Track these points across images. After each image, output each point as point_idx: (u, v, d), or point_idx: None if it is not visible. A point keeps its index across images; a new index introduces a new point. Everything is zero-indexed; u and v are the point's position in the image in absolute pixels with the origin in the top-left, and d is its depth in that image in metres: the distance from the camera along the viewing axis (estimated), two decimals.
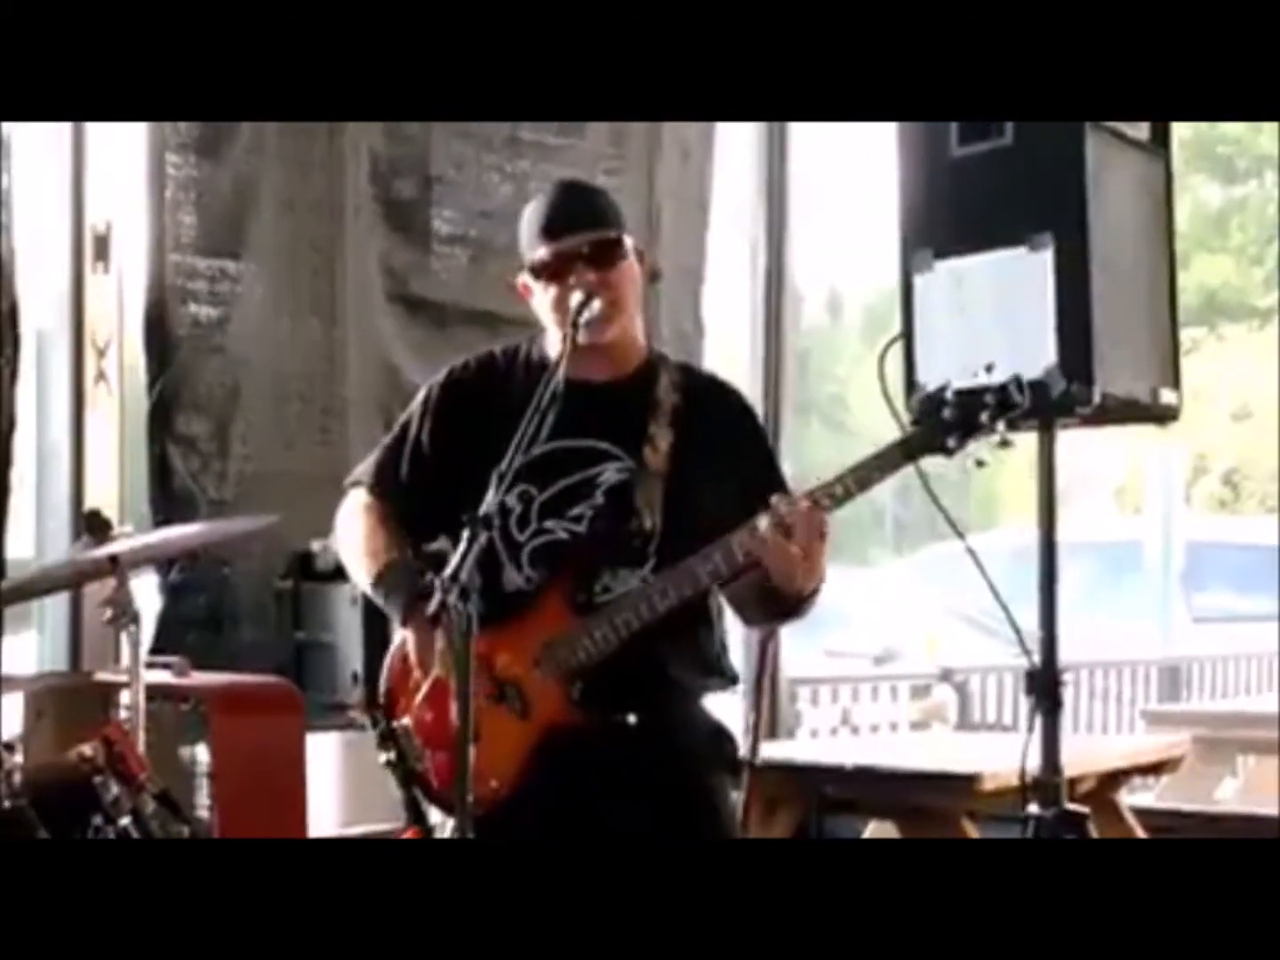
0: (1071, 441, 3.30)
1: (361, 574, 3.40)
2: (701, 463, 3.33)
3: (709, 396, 3.47)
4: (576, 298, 3.22)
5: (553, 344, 3.37)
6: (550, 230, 3.31)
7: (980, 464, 3.03)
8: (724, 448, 3.37)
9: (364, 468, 3.53)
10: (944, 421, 3.02)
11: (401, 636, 3.28)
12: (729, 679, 3.49)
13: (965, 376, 3.00)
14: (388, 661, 3.32)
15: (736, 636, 5.41)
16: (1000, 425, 2.98)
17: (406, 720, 3.24)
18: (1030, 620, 3.23)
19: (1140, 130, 3.42)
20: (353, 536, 3.46)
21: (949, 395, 3.01)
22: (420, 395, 3.50)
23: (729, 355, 6.42)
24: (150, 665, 3.88)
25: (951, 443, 3.02)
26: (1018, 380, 2.96)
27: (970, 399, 2.98)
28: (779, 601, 3.24)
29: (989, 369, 2.97)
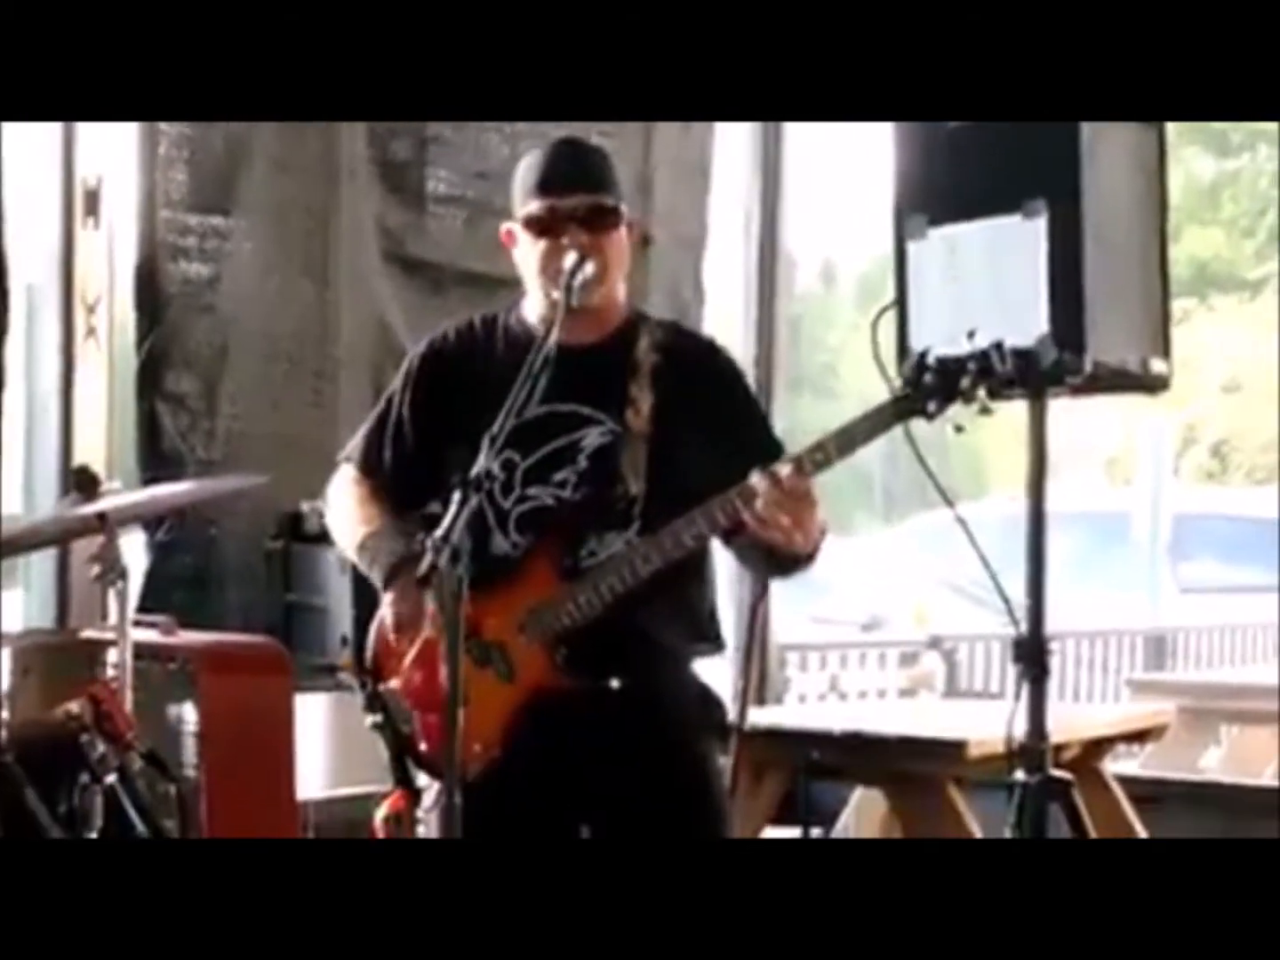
0: (1062, 411, 3.29)
1: (348, 541, 3.42)
2: (685, 423, 3.32)
3: (691, 355, 3.46)
4: (570, 259, 3.22)
5: (533, 306, 3.38)
6: (547, 186, 3.30)
7: (959, 429, 3.04)
8: (708, 406, 3.36)
9: (353, 444, 3.55)
10: (925, 386, 3.03)
11: (386, 605, 3.28)
12: (717, 643, 3.49)
13: (949, 344, 3.01)
14: (375, 625, 3.32)
15: (726, 601, 5.46)
16: (981, 391, 2.99)
17: (394, 683, 3.25)
18: (1018, 590, 3.23)
19: None
20: (340, 510, 3.50)
21: (930, 361, 3.03)
22: (402, 368, 3.51)
23: (721, 323, 6.40)
24: (137, 623, 3.89)
25: (931, 407, 3.03)
26: (999, 346, 2.97)
27: (952, 365, 2.99)
28: (778, 560, 3.26)
29: (971, 335, 2.98)
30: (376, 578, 3.31)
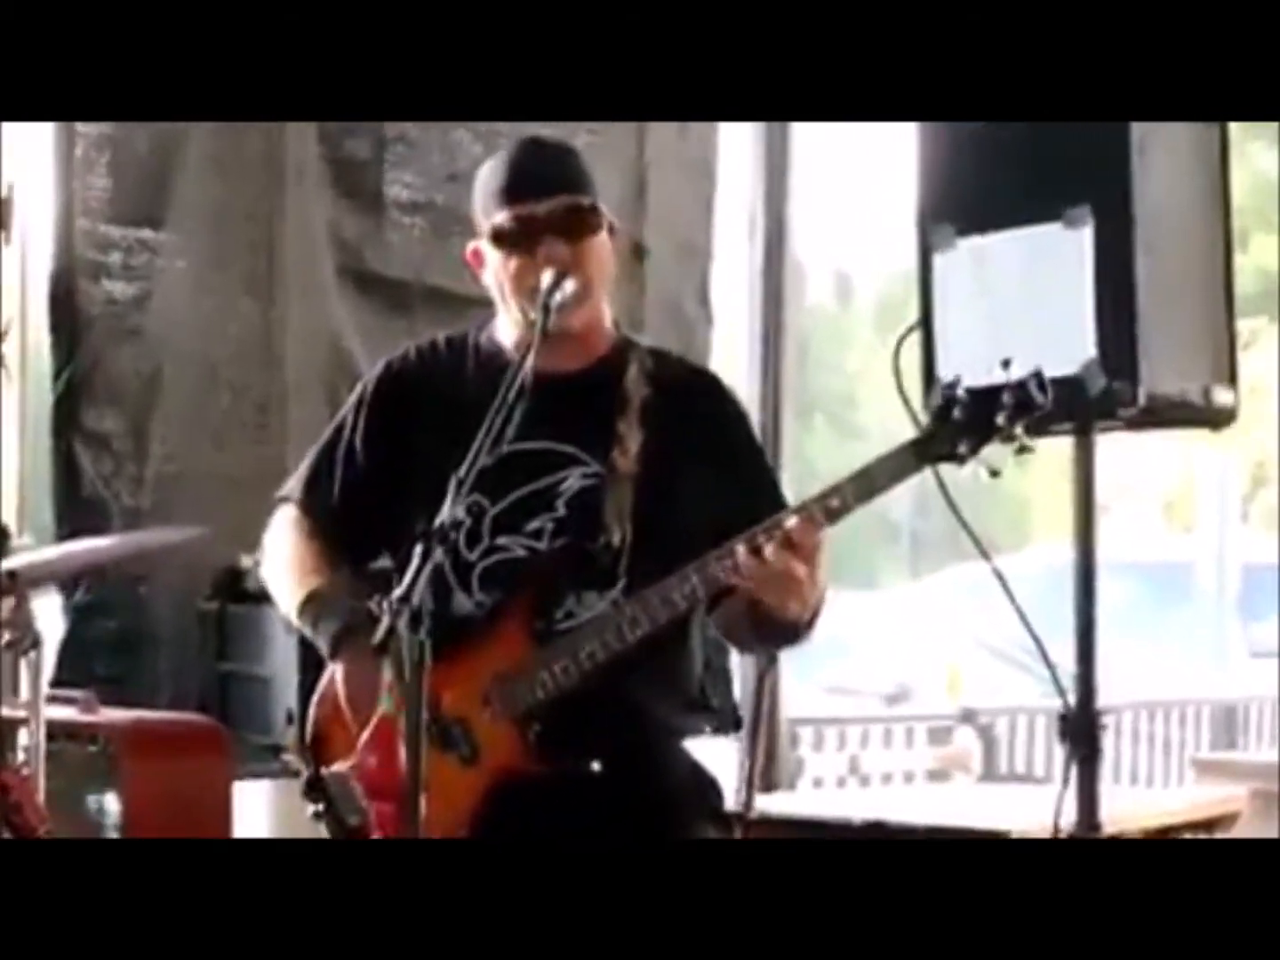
0: (1113, 448, 3.30)
1: (288, 600, 3.39)
2: (678, 465, 3.31)
3: (688, 388, 3.44)
4: (548, 276, 3.20)
5: (506, 328, 3.37)
6: (515, 191, 3.28)
7: (994, 474, 3.02)
8: (705, 447, 3.35)
9: (293, 480, 3.51)
10: (955, 424, 2.99)
11: (332, 671, 3.27)
12: (722, 718, 3.49)
13: (983, 374, 2.99)
14: (316, 699, 3.29)
15: (739, 671, 5.46)
16: (1019, 428, 2.98)
17: (338, 766, 3.23)
18: (1066, 654, 3.23)
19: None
20: (278, 559, 3.45)
21: (960, 394, 3.01)
22: (354, 393, 3.49)
23: (720, 343, 6.40)
24: (52, 699, 3.87)
25: (963, 448, 2.98)
26: (1038, 377, 2.93)
27: (985, 398, 2.96)
28: (773, 627, 3.22)
29: (1006, 364, 2.95)
30: (322, 643, 3.28)
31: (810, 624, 3.22)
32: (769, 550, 3.05)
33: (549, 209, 3.26)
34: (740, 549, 3.08)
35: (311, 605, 3.32)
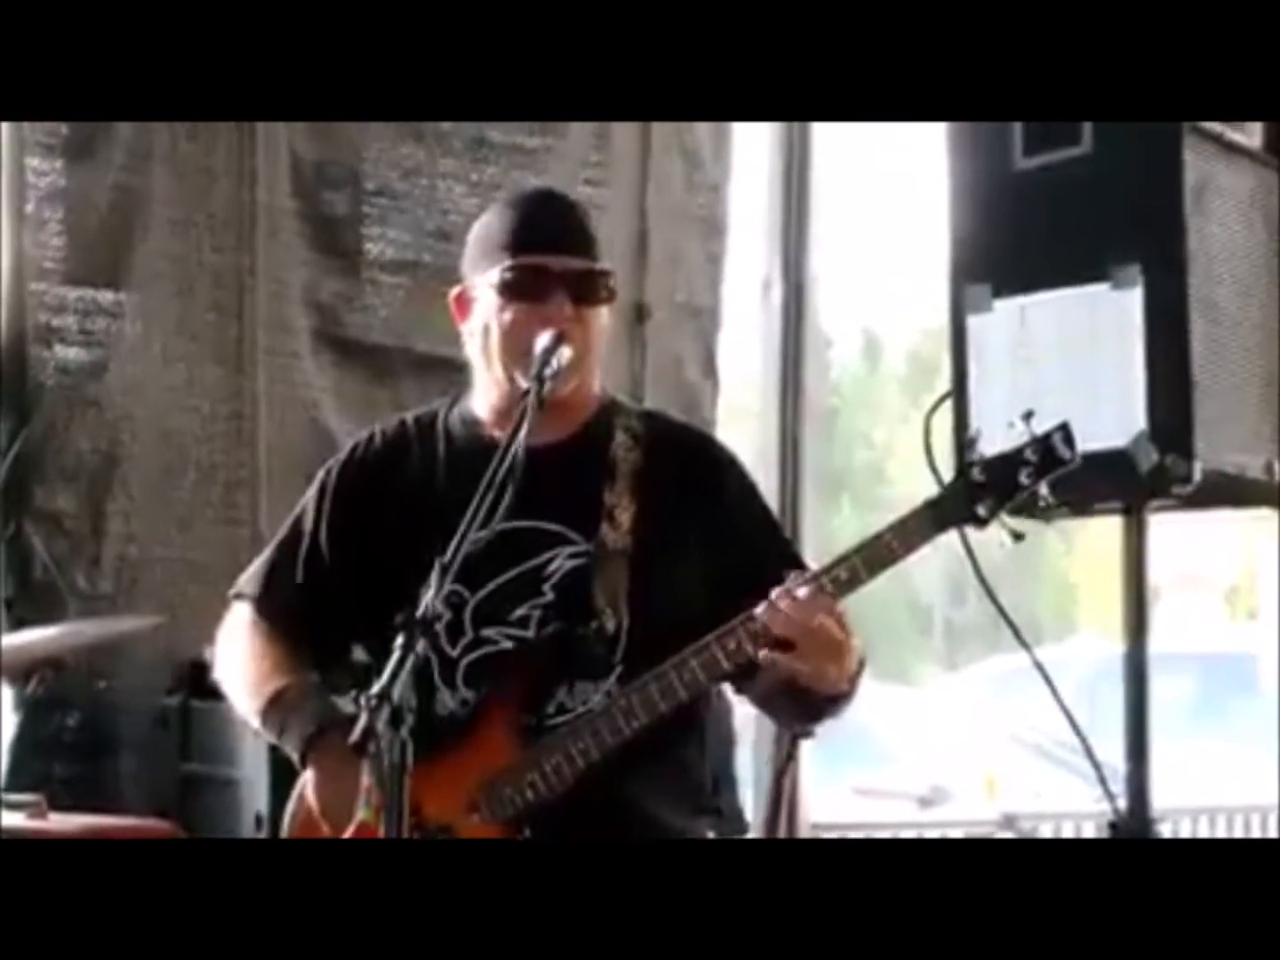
0: (1168, 529, 3.30)
1: (248, 705, 3.37)
2: (674, 537, 3.29)
3: (679, 450, 3.42)
4: (544, 339, 3.20)
5: (484, 392, 3.35)
6: (531, 242, 3.28)
7: (1017, 537, 3.02)
8: (704, 515, 3.33)
9: (248, 576, 3.50)
10: (975, 483, 3.00)
11: (304, 778, 3.26)
12: (728, 820, 3.47)
13: (1023, 438, 2.99)
14: (290, 808, 3.29)
15: (745, 768, 5.44)
16: (1044, 488, 2.98)
17: None
18: (1116, 753, 3.23)
19: (1252, 135, 3.45)
20: (235, 664, 3.44)
21: (981, 451, 3.01)
22: (316, 482, 3.47)
23: (736, 414, 6.41)
24: (2, 805, 3.87)
25: (983, 511, 3.00)
26: (1065, 429, 2.93)
27: (1008, 457, 2.97)
28: (805, 705, 3.23)
29: (1028, 417, 2.95)
30: (290, 748, 3.27)
31: (849, 695, 3.18)
32: (777, 625, 3.05)
33: (564, 267, 3.27)
34: (742, 627, 3.08)
35: (277, 708, 3.29)
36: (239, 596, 3.49)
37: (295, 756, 3.26)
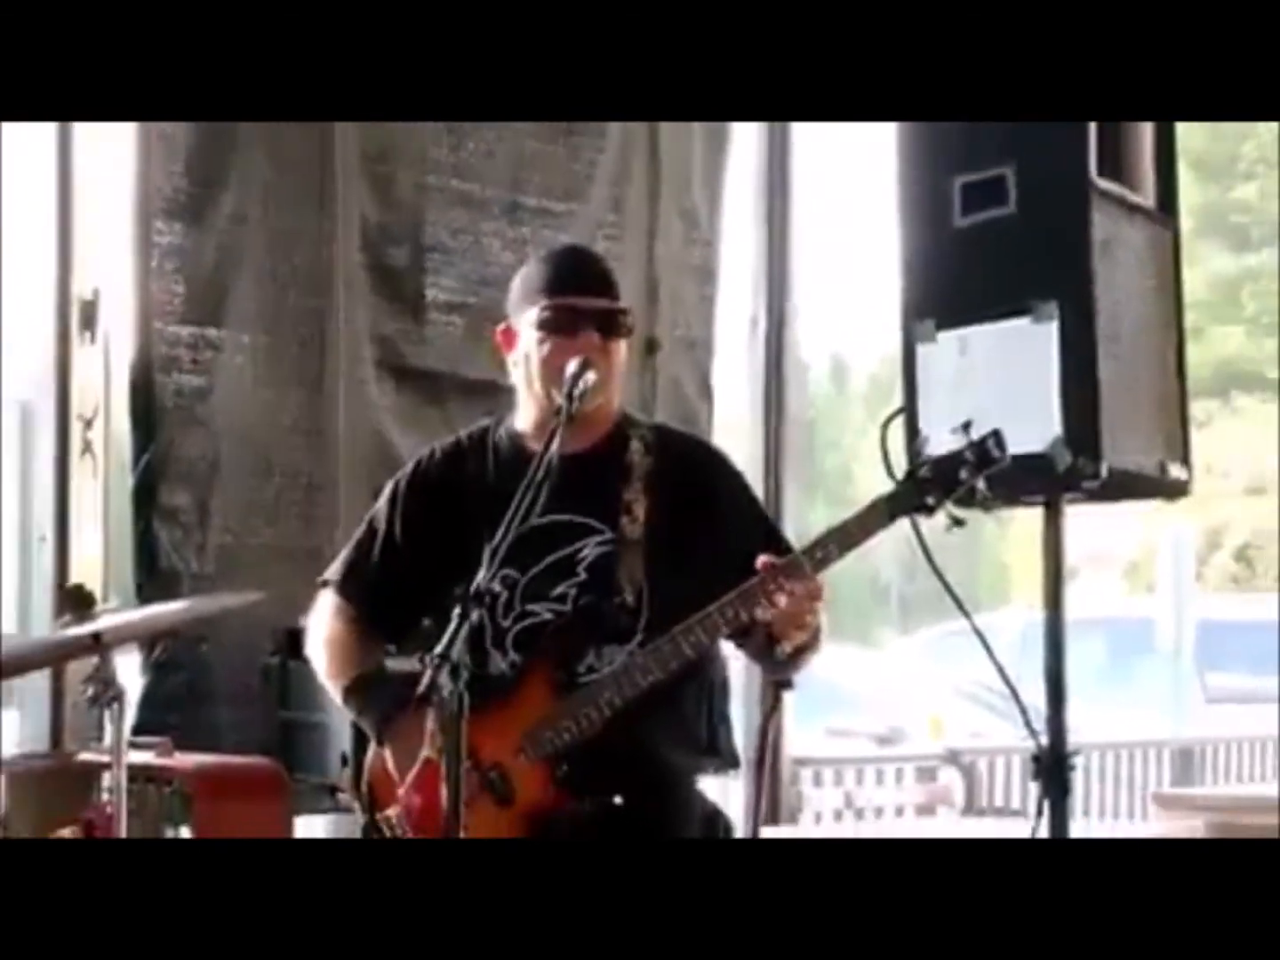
0: (1080, 518, 3.30)
1: (333, 685, 3.42)
2: (681, 525, 3.31)
3: (682, 454, 3.46)
4: (573, 364, 3.21)
5: (525, 411, 3.38)
6: (565, 285, 3.33)
7: (958, 523, 3.04)
8: (704, 506, 3.35)
9: (334, 568, 3.53)
10: (923, 480, 3.03)
11: (378, 750, 3.27)
12: (725, 758, 3.48)
13: (949, 438, 3.01)
14: (368, 764, 3.31)
15: (737, 715, 5.43)
16: (980, 482, 3.00)
17: (390, 812, 3.24)
18: (1039, 700, 3.23)
19: (1148, 197, 3.45)
20: (322, 645, 3.48)
21: (928, 453, 3.04)
22: (386, 490, 3.50)
23: (729, 427, 6.40)
24: (133, 745, 3.87)
25: (930, 501, 3.03)
26: (996, 435, 2.97)
27: (950, 458, 3.00)
28: (783, 659, 3.23)
29: (967, 427, 2.98)
30: (368, 727, 3.31)
31: (813, 646, 3.23)
32: (767, 597, 3.07)
33: (591, 305, 3.30)
34: (739, 598, 3.10)
35: (357, 692, 3.36)
36: (324, 584, 3.51)
37: (372, 735, 3.29)
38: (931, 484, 3.04)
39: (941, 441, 3.14)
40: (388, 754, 3.24)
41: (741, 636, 3.24)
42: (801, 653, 3.22)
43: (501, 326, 3.42)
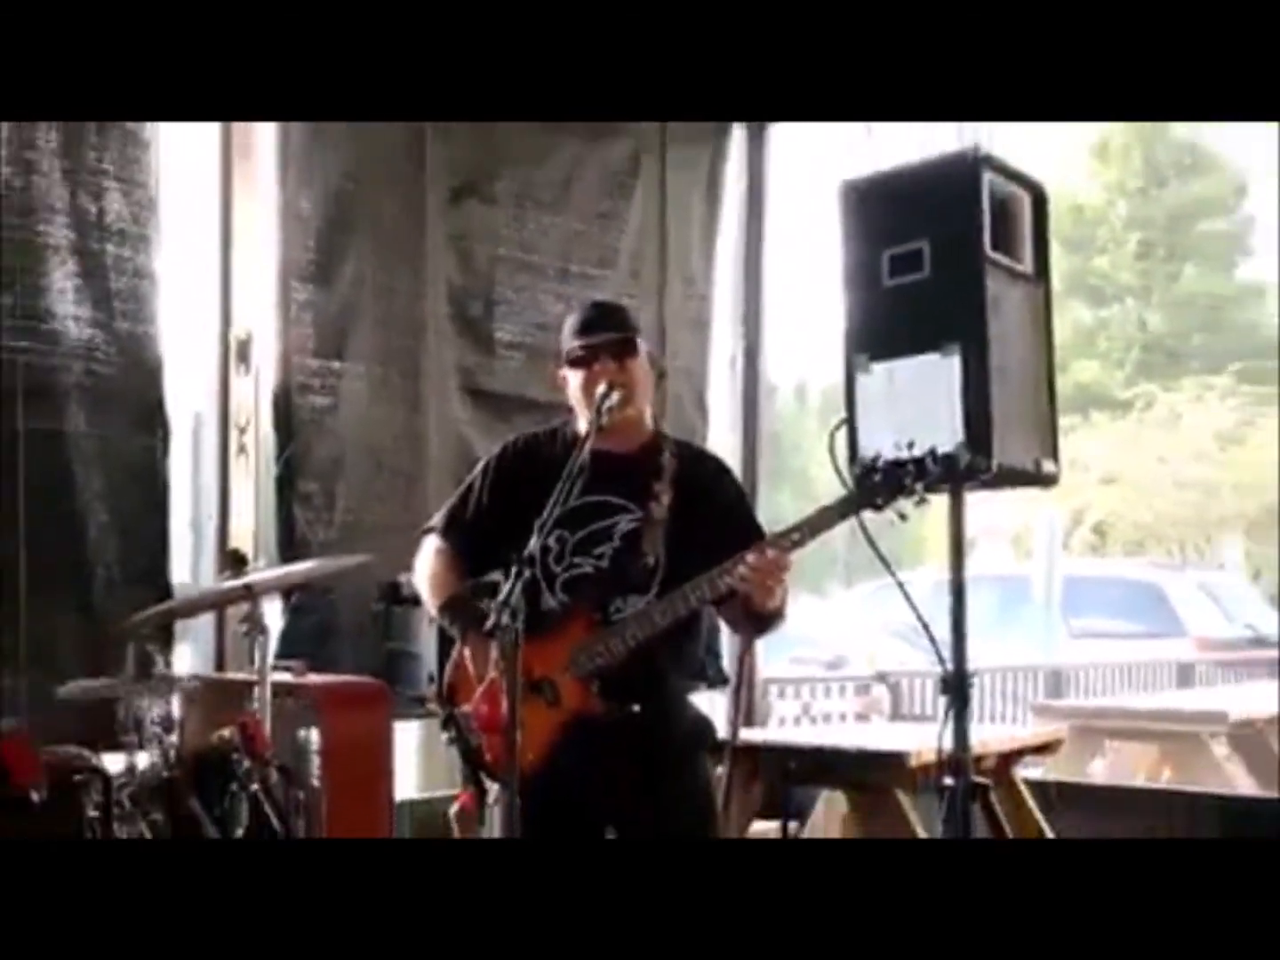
0: (978, 501, 3.28)
1: (432, 603, 3.41)
2: (693, 514, 3.31)
3: (700, 464, 3.48)
4: (601, 389, 3.23)
5: (580, 422, 3.38)
6: (582, 330, 3.34)
7: (903, 517, 3.03)
8: (711, 502, 3.36)
9: (436, 517, 3.53)
10: (874, 485, 3.02)
11: (460, 653, 3.27)
12: (715, 679, 3.49)
13: (894, 451, 3.01)
14: (449, 666, 3.30)
15: (725, 646, 5.43)
16: (919, 488, 2.99)
17: (465, 708, 3.23)
18: (945, 636, 3.21)
19: (1027, 266, 3.42)
20: (425, 575, 3.46)
21: (879, 465, 3.02)
22: (481, 463, 3.51)
23: (717, 437, 6.42)
24: (275, 668, 3.88)
25: (880, 501, 3.02)
26: (933, 454, 2.96)
27: (895, 467, 2.99)
28: (756, 619, 3.24)
29: (910, 446, 2.97)
30: (455, 634, 3.31)
31: (778, 616, 3.23)
32: (752, 567, 3.06)
33: (602, 340, 3.30)
34: (732, 566, 3.09)
35: (448, 609, 3.33)
36: (428, 530, 3.49)
37: (457, 638, 3.26)
38: (881, 488, 3.02)
39: (876, 448, 3.13)
40: (466, 661, 3.23)
41: (729, 603, 3.22)
42: (771, 617, 3.22)
43: (561, 373, 3.42)
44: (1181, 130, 23.32)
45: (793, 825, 5.20)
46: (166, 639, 4.28)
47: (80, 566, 4.30)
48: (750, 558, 3.06)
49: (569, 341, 3.36)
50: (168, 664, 4.00)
